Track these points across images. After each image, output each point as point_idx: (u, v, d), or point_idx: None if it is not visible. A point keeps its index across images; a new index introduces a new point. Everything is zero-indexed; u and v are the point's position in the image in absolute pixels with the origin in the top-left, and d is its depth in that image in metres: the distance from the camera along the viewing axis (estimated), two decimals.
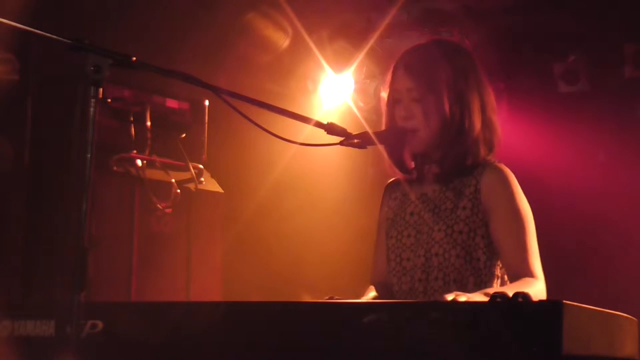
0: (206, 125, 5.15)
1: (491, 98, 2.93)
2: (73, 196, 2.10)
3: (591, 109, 6.02)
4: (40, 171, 4.61)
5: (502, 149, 2.94)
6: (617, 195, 5.87)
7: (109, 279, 4.57)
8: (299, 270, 6.15)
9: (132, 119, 4.78)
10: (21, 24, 2.18)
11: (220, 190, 5.28)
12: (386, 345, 2.00)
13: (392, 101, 2.92)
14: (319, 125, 2.66)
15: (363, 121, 5.57)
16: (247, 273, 5.78)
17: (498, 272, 2.81)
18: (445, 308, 2.06)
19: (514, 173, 2.87)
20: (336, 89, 6.44)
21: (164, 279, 4.83)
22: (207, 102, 5.12)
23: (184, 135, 5.07)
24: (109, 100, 4.65)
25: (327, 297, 2.67)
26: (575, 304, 1.95)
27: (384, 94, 2.97)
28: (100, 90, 2.13)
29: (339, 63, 6.29)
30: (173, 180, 4.94)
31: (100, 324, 2.30)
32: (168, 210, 4.88)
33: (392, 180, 3.08)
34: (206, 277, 5.10)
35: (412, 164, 2.95)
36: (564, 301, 1.88)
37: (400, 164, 2.94)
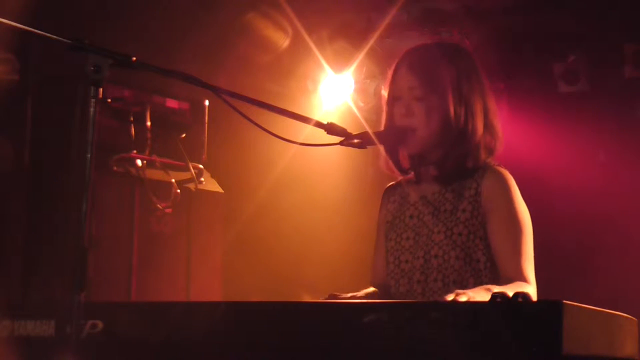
0: (206, 125, 5.15)
1: (493, 102, 2.94)
2: (73, 196, 2.10)
3: (591, 109, 6.02)
4: (40, 171, 4.61)
5: (502, 149, 2.95)
6: (617, 195, 5.87)
7: (109, 279, 4.57)
8: (299, 270, 6.15)
9: (132, 119, 4.78)
10: (21, 24, 2.18)
11: (220, 190, 5.28)
12: (386, 345, 2.00)
13: (392, 98, 2.92)
14: (319, 125, 2.65)
15: (363, 121, 5.57)
16: (247, 273, 5.78)
17: (498, 273, 2.81)
18: (445, 308, 2.06)
19: (514, 173, 2.87)
20: (336, 89, 6.44)
21: (164, 279, 4.84)
22: (207, 102, 5.12)
23: (184, 135, 5.07)
24: (109, 100, 4.65)
25: (327, 295, 2.68)
26: (575, 304, 1.95)
27: (385, 92, 2.97)
28: (100, 90, 2.13)
29: (339, 63, 6.29)
30: (173, 180, 4.94)
31: (100, 324, 2.30)
32: (168, 210, 4.88)
33: (391, 184, 3.09)
34: (206, 277, 5.10)
35: (408, 164, 2.95)
36: (564, 301, 1.88)
37: (396, 164, 2.94)
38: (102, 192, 4.56)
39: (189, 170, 5.03)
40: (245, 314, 2.20)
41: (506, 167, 2.89)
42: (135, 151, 4.79)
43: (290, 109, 2.58)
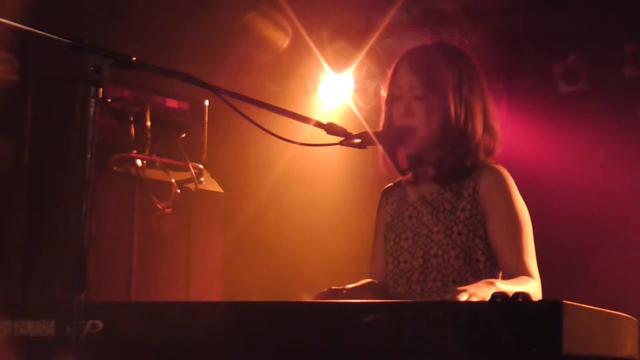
0: (206, 125, 5.14)
1: (492, 104, 2.94)
2: (73, 196, 2.10)
3: (591, 109, 6.02)
4: (40, 171, 4.61)
5: (502, 149, 2.95)
6: (617, 195, 5.87)
7: (109, 279, 4.57)
8: (299, 270, 6.15)
9: (132, 119, 4.78)
10: (21, 24, 2.18)
11: (220, 190, 5.28)
12: (386, 345, 2.00)
13: (392, 98, 2.91)
14: (319, 125, 2.65)
15: (363, 121, 5.57)
16: (247, 273, 5.78)
17: (497, 272, 2.81)
18: (445, 308, 2.06)
19: (514, 173, 2.87)
20: (336, 89, 6.44)
21: (164, 279, 4.84)
22: (207, 102, 5.12)
23: (184, 135, 5.07)
24: (109, 100, 4.65)
25: (325, 289, 2.69)
26: (575, 304, 1.95)
27: (384, 92, 2.97)
28: (100, 90, 2.13)
29: (339, 63, 6.29)
30: (173, 180, 4.94)
31: (100, 324, 2.29)
32: (168, 210, 4.88)
33: (389, 186, 3.09)
34: (206, 277, 5.10)
35: (406, 164, 2.95)
36: (564, 301, 1.88)
37: (395, 164, 2.94)
38: (102, 192, 4.56)
39: (189, 170, 5.03)
40: (245, 314, 2.20)
41: (506, 167, 2.89)
42: (135, 151, 4.79)
43: (290, 109, 2.58)
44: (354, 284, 2.86)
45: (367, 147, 2.78)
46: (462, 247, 2.78)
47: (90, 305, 2.14)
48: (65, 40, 2.15)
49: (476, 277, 2.77)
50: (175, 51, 5.00)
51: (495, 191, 2.80)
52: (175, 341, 2.24)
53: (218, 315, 2.21)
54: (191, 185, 5.04)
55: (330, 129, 2.67)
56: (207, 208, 5.15)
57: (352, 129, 2.73)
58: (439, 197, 2.87)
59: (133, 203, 4.76)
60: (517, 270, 2.71)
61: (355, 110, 6.23)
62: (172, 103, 4.98)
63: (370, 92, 6.38)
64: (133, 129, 4.78)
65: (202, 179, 5.11)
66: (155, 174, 4.89)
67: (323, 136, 2.70)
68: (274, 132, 2.62)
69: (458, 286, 2.73)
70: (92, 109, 2.10)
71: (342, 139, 2.70)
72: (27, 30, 2.16)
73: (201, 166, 5.13)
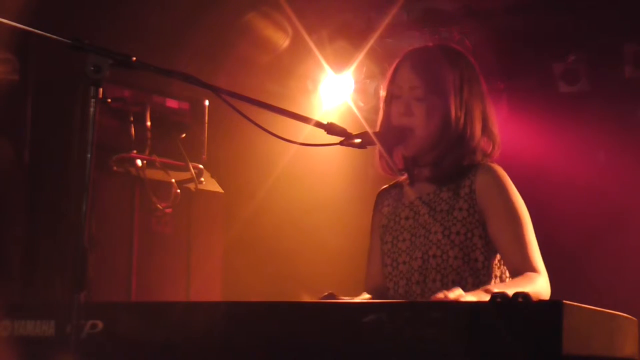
0: (206, 125, 5.15)
1: (492, 109, 2.94)
2: (73, 196, 2.10)
3: (591, 109, 6.02)
4: (40, 171, 4.61)
5: (502, 148, 2.95)
6: (617, 195, 5.87)
7: (109, 279, 4.57)
8: (299, 270, 6.15)
9: (132, 119, 4.78)
10: (21, 24, 2.18)
11: (220, 190, 5.28)
12: (386, 345, 2.00)
13: (391, 97, 2.91)
14: (319, 125, 2.65)
15: (363, 121, 5.56)
16: (247, 273, 5.78)
17: (497, 271, 2.81)
18: (445, 308, 2.06)
19: (514, 173, 2.87)
20: (336, 89, 6.44)
21: (164, 279, 4.83)
22: (207, 102, 5.12)
23: (184, 135, 5.07)
24: (109, 100, 4.65)
25: (326, 293, 2.68)
26: (575, 304, 1.95)
27: (382, 91, 2.97)
28: (100, 90, 2.13)
29: (339, 63, 6.29)
30: (173, 180, 4.94)
31: (100, 324, 2.30)
32: (168, 210, 4.88)
33: (384, 188, 3.10)
34: (206, 277, 5.10)
35: (401, 165, 2.95)
36: (564, 301, 1.89)
37: (391, 164, 2.94)
38: (102, 192, 4.56)
39: (189, 170, 5.03)
40: (245, 314, 2.20)
41: (506, 168, 2.89)
42: (135, 151, 4.79)
43: (290, 109, 2.58)
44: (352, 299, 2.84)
45: (367, 147, 2.78)
46: (460, 247, 2.77)
47: (90, 305, 2.14)
48: (65, 40, 2.15)
49: (475, 276, 2.77)
50: (175, 51, 5.00)
51: (492, 189, 2.80)
52: (175, 341, 2.24)
53: (218, 315, 2.21)
54: (191, 185, 5.04)
55: (330, 129, 2.67)
56: (207, 208, 5.15)
57: (352, 129, 2.73)
58: (436, 198, 2.87)
59: (133, 203, 4.76)
60: (523, 266, 2.70)
61: (355, 110, 6.23)
62: (172, 103, 4.98)
63: (370, 92, 6.38)
64: (133, 129, 4.78)
65: (202, 179, 5.12)
66: (155, 174, 4.89)
67: (323, 136, 2.70)
68: (274, 132, 2.62)
69: (457, 286, 2.74)
70: (92, 109, 2.10)
71: (342, 139, 2.70)
72: (27, 30, 2.16)
73: (201, 166, 5.13)
